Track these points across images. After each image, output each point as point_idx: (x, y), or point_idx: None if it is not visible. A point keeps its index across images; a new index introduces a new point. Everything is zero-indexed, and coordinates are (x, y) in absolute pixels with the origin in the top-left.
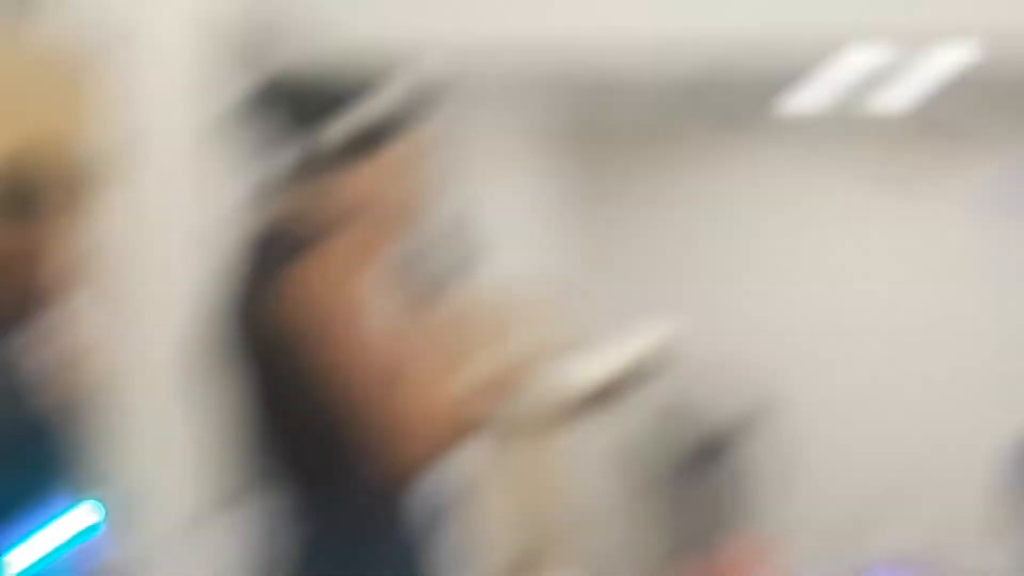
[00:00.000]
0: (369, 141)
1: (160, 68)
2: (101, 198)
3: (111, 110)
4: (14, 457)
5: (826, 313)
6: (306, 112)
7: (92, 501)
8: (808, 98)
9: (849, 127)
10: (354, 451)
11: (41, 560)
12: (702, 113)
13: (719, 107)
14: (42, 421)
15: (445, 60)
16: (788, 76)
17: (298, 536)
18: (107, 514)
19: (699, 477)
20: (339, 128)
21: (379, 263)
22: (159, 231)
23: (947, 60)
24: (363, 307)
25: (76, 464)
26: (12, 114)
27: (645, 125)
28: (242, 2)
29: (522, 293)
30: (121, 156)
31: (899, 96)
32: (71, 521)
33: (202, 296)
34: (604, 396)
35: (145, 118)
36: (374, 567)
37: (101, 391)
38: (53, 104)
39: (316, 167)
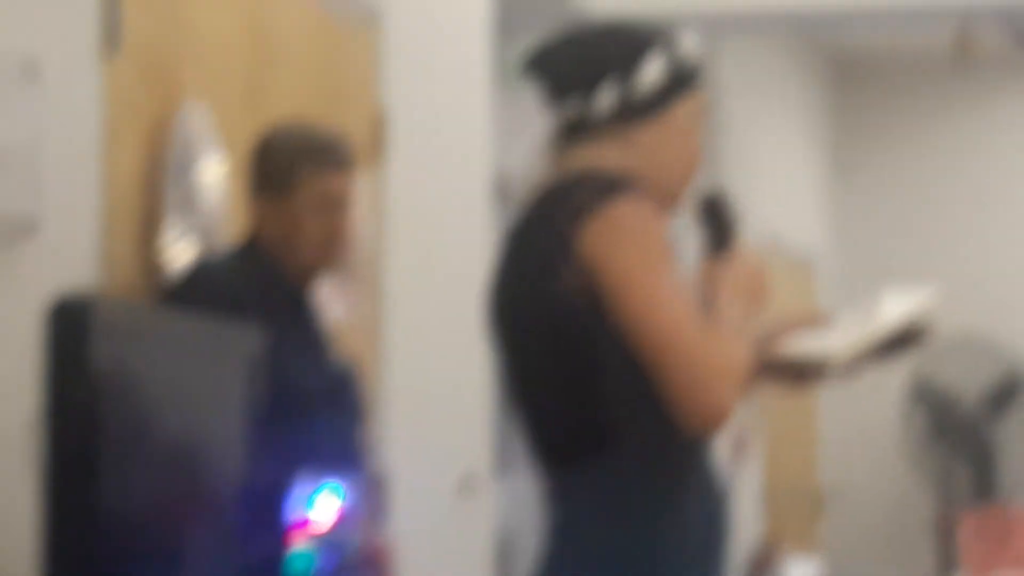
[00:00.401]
0: (648, 104)
1: (432, 38)
2: (379, 166)
3: (386, 77)
4: (322, 408)
5: None
6: (581, 74)
7: (347, 479)
8: None
9: None
10: (666, 401)
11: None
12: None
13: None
14: (341, 376)
15: (697, 11)
16: None
17: (607, 495)
18: (362, 492)
19: (955, 447)
20: (617, 91)
21: (668, 223)
22: (435, 199)
23: None
24: (666, 258)
25: (361, 425)
26: (312, 72)
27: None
28: None
29: (786, 254)
30: (393, 127)
31: None
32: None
33: (479, 268)
34: (868, 358)
35: (418, 91)
36: (688, 515)
37: (364, 363)
38: (343, 64)
39: (593, 127)
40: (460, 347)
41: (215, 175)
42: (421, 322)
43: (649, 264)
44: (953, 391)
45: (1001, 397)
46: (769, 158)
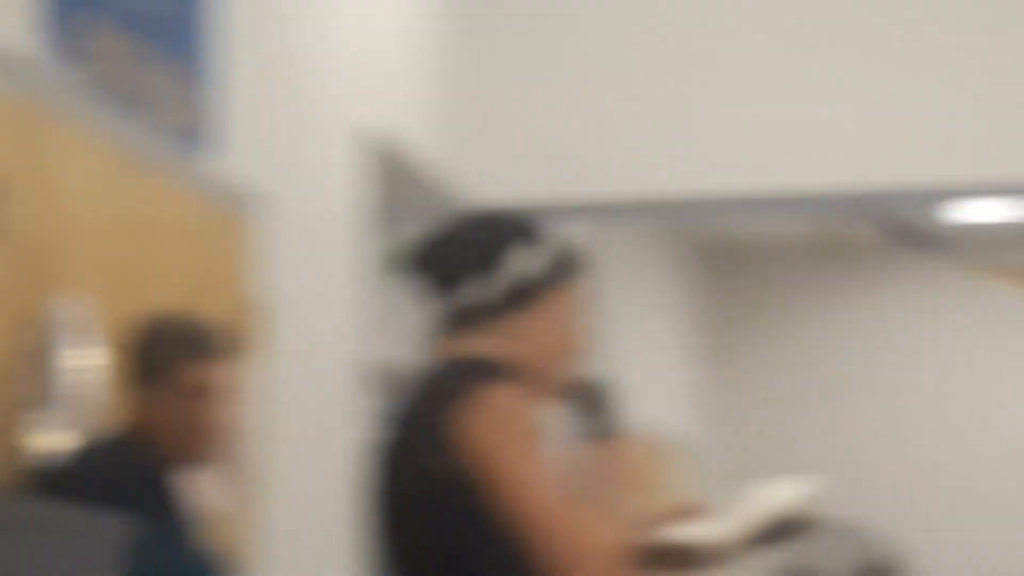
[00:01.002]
0: (527, 295)
1: (305, 227)
2: (251, 353)
3: (260, 265)
4: None
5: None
6: (463, 267)
7: None
8: (974, 209)
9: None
10: None
11: None
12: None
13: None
14: (203, 561)
15: (574, 202)
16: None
17: None
18: None
19: None
20: (497, 282)
21: (540, 408)
22: (309, 384)
23: None
24: (534, 442)
25: None
26: (188, 260)
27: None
28: (387, 164)
29: (660, 442)
30: (269, 313)
31: None
32: None
33: (351, 453)
34: (752, 547)
35: (291, 276)
36: None
37: (244, 550)
38: (217, 251)
39: (475, 317)
40: (335, 531)
41: (89, 363)
42: (298, 510)
43: (517, 449)
44: (820, 572)
45: None
46: (642, 344)
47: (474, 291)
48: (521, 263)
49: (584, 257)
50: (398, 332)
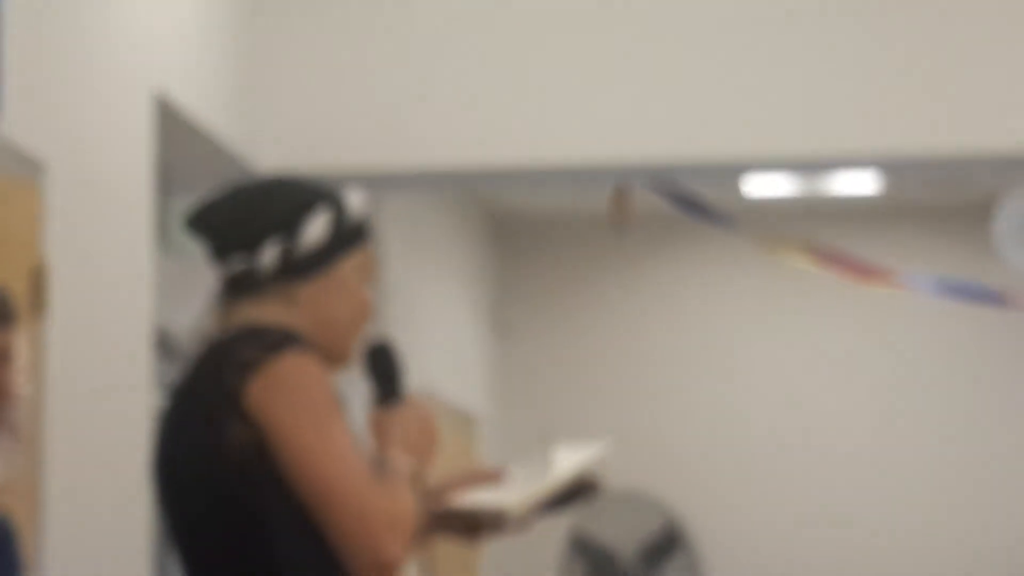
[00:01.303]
0: (310, 263)
1: (95, 192)
2: (39, 320)
3: (45, 229)
4: None
5: (776, 431)
6: (244, 232)
7: None
8: (764, 184)
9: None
10: (334, 554)
11: None
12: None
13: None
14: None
15: (362, 170)
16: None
17: None
18: None
19: None
20: (279, 249)
21: (334, 376)
22: (91, 354)
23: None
24: (332, 410)
25: None
26: None
27: (576, 215)
28: (179, 128)
29: (447, 410)
30: (53, 279)
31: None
32: None
33: (140, 423)
34: (541, 510)
35: (77, 243)
36: None
37: (21, 519)
38: (2, 217)
39: (257, 284)
40: (120, 502)
41: None
42: (81, 477)
43: (314, 418)
44: (611, 544)
45: (658, 550)
46: (430, 314)
47: (261, 256)
48: (311, 229)
49: (370, 224)
50: (195, 299)
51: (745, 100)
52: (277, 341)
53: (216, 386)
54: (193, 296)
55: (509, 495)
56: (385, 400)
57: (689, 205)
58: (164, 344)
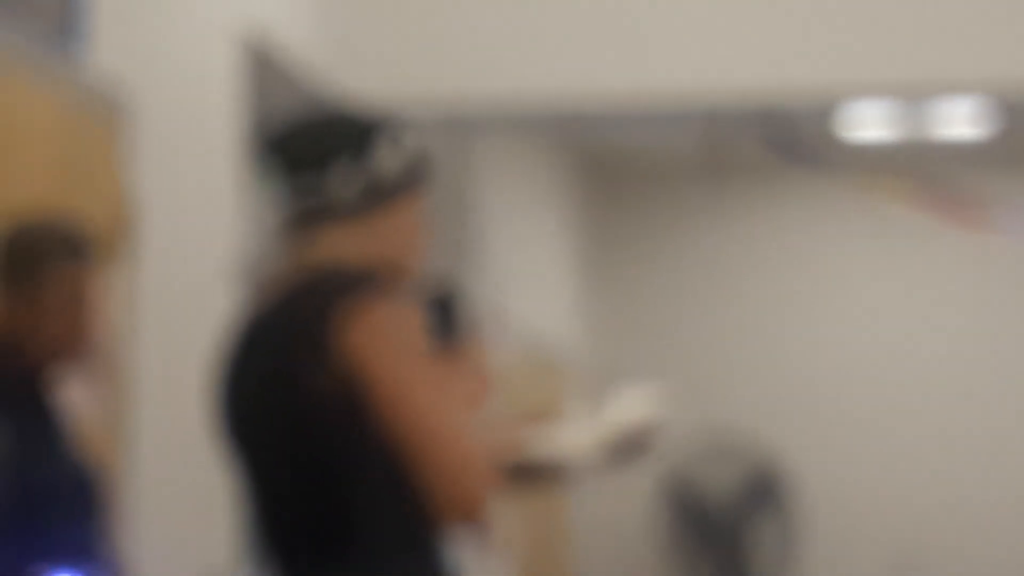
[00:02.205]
0: (385, 191)
1: (184, 131)
2: (122, 259)
3: (131, 166)
4: (63, 503)
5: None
6: (315, 158)
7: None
8: (865, 124)
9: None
10: (418, 498)
11: None
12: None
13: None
14: (82, 472)
15: (454, 108)
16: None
17: None
18: None
19: (706, 544)
20: (354, 176)
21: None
22: (180, 292)
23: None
24: (426, 356)
25: (101, 524)
26: (55, 162)
27: (675, 158)
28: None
29: (538, 348)
30: (140, 218)
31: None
32: None
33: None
34: (603, 457)
35: (165, 179)
36: None
37: (108, 455)
38: (89, 156)
39: (329, 213)
40: (207, 440)
41: None
42: (168, 414)
43: (412, 365)
44: (704, 491)
45: (753, 497)
46: (524, 257)
47: (333, 181)
48: (383, 162)
49: (432, 164)
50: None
51: (841, 29)
52: (367, 285)
53: (307, 329)
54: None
55: (564, 441)
56: (450, 340)
57: (785, 147)
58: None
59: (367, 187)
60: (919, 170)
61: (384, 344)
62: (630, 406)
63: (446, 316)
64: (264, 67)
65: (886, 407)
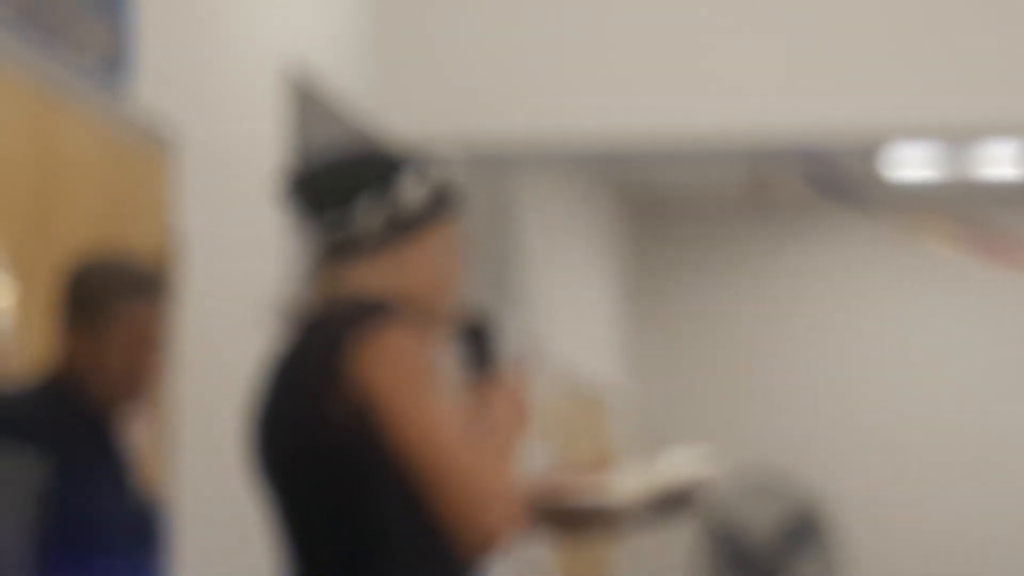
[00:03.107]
0: (411, 222)
1: (228, 164)
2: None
3: (177, 201)
4: (123, 538)
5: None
6: (340, 192)
7: None
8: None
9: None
10: (438, 527)
11: None
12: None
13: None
14: (144, 507)
15: (496, 145)
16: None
17: None
18: None
19: None
20: (379, 208)
21: (434, 347)
22: (220, 327)
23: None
24: (433, 383)
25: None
26: (101, 197)
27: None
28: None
29: (579, 385)
30: (186, 251)
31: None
32: None
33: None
34: (646, 513)
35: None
36: None
37: (155, 488)
38: (135, 191)
39: (356, 247)
40: (247, 474)
41: None
42: (209, 449)
43: (418, 391)
44: (745, 530)
45: (794, 536)
46: (565, 291)
47: (358, 216)
48: (407, 194)
49: (461, 195)
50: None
51: (887, 70)
52: (378, 313)
53: (320, 359)
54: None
55: (613, 491)
56: (478, 371)
57: (829, 186)
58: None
59: (390, 219)
60: (962, 210)
61: (390, 372)
62: (682, 463)
63: (479, 346)
64: (307, 102)
65: (929, 447)
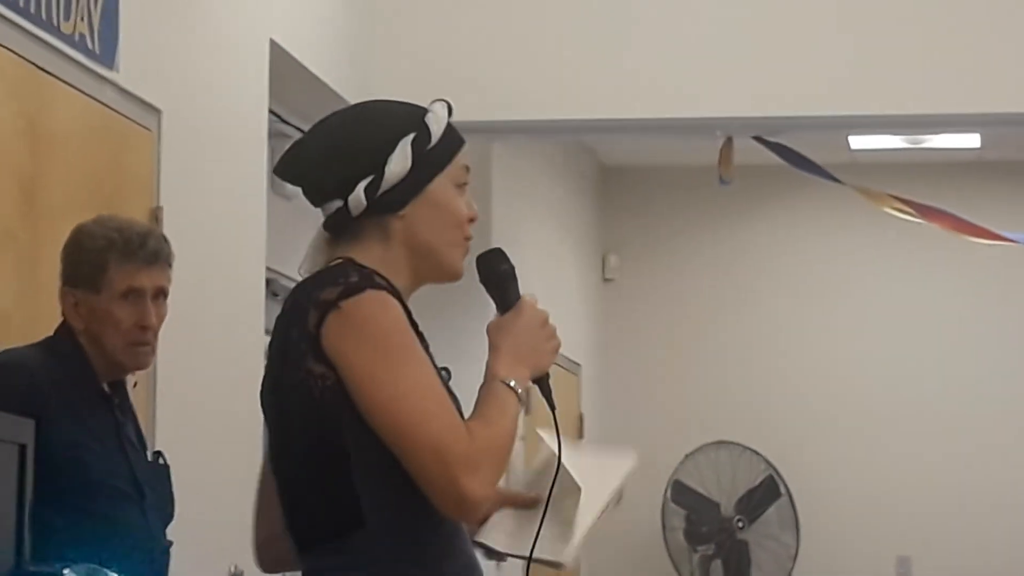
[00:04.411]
0: (399, 196)
1: (210, 137)
2: None
3: (164, 174)
4: (139, 495)
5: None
6: (332, 181)
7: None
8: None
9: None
10: (424, 485)
11: None
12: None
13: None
14: (156, 466)
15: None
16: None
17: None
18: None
19: (712, 547)
20: (368, 189)
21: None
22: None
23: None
24: (408, 349)
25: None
26: (91, 166)
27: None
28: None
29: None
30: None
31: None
32: None
33: (252, 363)
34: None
35: (199, 182)
36: None
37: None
38: (122, 160)
39: (351, 224)
40: (232, 439)
41: None
42: (192, 417)
43: (387, 358)
44: (712, 491)
45: (758, 497)
46: (537, 263)
47: (346, 201)
48: (393, 164)
49: (456, 134)
50: (301, 245)
51: (851, 62)
52: (355, 283)
53: (299, 325)
54: (300, 237)
55: (561, 548)
56: (500, 307)
57: (794, 155)
58: (273, 285)
59: (377, 194)
60: (920, 179)
61: (359, 341)
62: (616, 466)
63: (491, 275)
64: (288, 73)
65: (890, 417)
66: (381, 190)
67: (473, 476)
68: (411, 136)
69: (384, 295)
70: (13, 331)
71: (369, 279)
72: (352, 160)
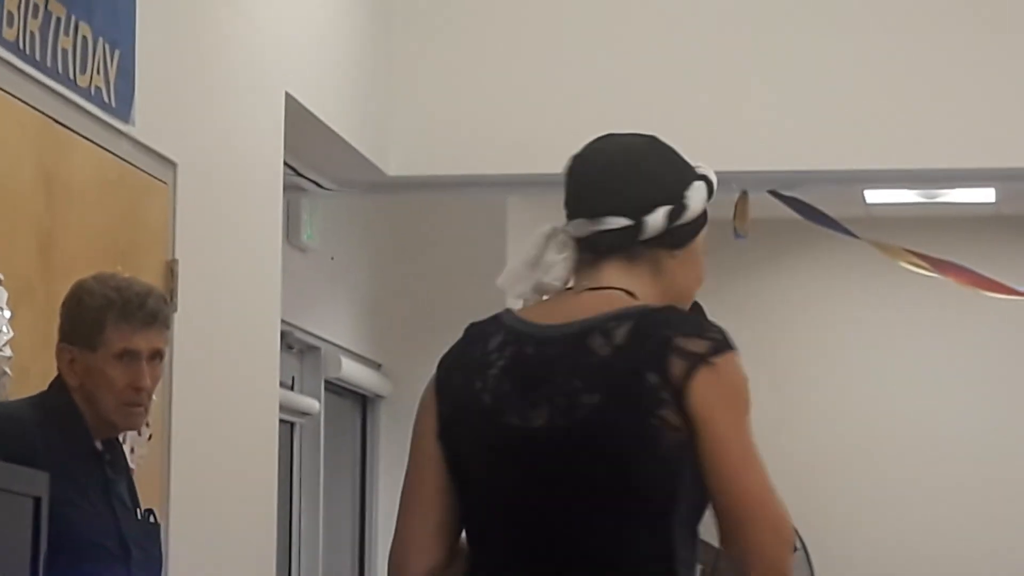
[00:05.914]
0: (688, 233)
1: (225, 191)
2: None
3: (180, 229)
4: (124, 556)
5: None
6: (639, 197)
7: None
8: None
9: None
10: (736, 554)
11: None
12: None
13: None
14: (146, 527)
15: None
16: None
17: None
18: None
19: None
20: (666, 217)
21: None
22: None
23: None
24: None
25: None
26: (107, 220)
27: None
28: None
29: None
30: (188, 277)
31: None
32: None
33: (267, 416)
34: None
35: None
36: None
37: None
38: (137, 215)
39: (628, 246)
40: (246, 493)
41: None
42: (206, 471)
43: (747, 426)
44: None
45: None
46: None
47: (641, 224)
48: (693, 201)
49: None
50: (317, 292)
51: (865, 117)
52: (723, 340)
53: (658, 371)
54: (315, 290)
55: None
56: None
57: (809, 209)
58: (288, 337)
59: (676, 227)
60: (935, 235)
61: (730, 401)
62: None
63: None
64: (303, 128)
65: (905, 473)
66: (683, 220)
67: (791, 550)
68: (703, 182)
69: (738, 357)
70: (31, 385)
71: (728, 337)
72: (658, 181)
